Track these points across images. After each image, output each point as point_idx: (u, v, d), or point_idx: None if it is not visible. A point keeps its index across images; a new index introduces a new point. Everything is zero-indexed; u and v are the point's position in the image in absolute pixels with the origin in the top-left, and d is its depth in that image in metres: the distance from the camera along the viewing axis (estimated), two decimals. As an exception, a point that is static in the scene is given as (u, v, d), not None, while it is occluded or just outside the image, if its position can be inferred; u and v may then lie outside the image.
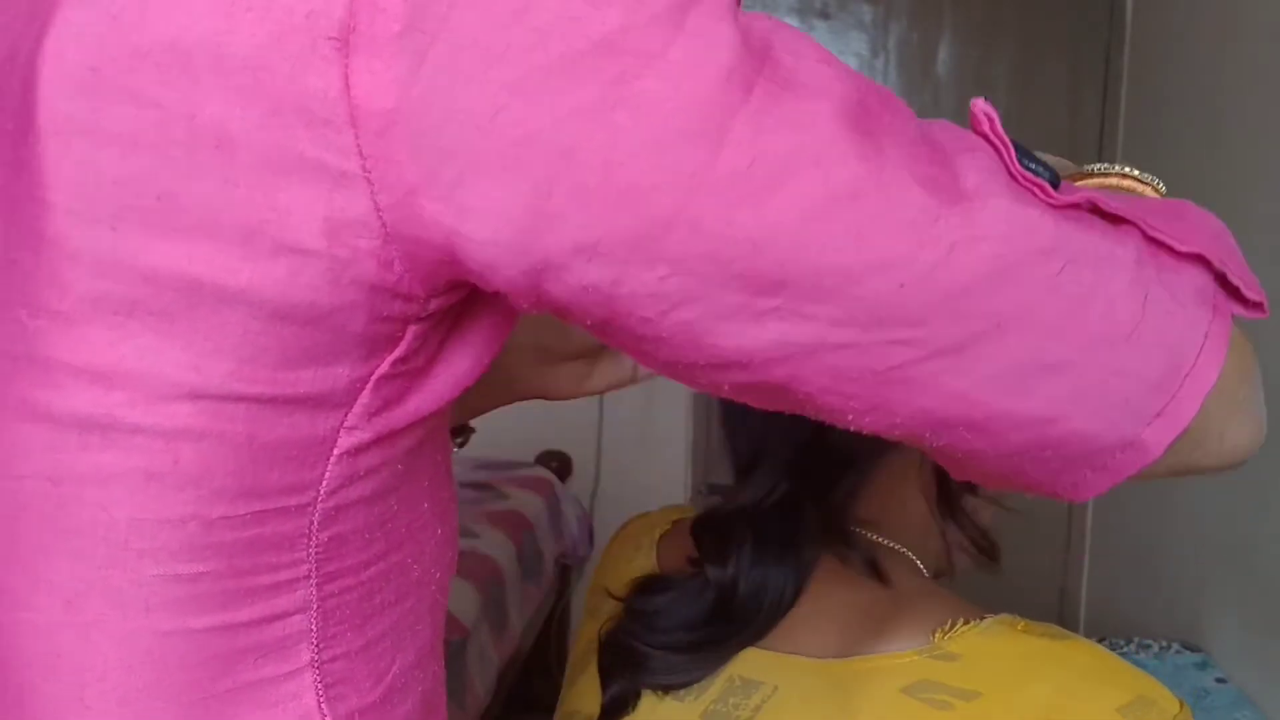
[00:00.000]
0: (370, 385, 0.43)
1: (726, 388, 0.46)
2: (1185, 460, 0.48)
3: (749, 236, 0.40)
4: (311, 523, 0.43)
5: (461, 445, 0.76)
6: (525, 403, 0.74)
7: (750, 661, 0.74)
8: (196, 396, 0.40)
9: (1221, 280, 0.47)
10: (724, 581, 0.74)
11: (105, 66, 0.38)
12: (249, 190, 0.38)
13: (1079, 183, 0.55)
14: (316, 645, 0.45)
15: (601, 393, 0.74)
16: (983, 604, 0.72)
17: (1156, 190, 0.56)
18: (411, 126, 0.38)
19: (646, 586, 0.80)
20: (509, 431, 2.48)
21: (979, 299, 0.43)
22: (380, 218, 0.39)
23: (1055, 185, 0.45)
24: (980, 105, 0.47)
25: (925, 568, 0.78)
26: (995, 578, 0.83)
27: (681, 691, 0.75)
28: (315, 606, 0.44)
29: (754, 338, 0.42)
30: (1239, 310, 0.48)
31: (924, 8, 2.96)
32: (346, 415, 0.43)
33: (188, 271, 0.39)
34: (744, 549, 0.74)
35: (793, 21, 3.00)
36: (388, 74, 0.38)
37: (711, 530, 0.78)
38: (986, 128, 0.46)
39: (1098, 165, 0.57)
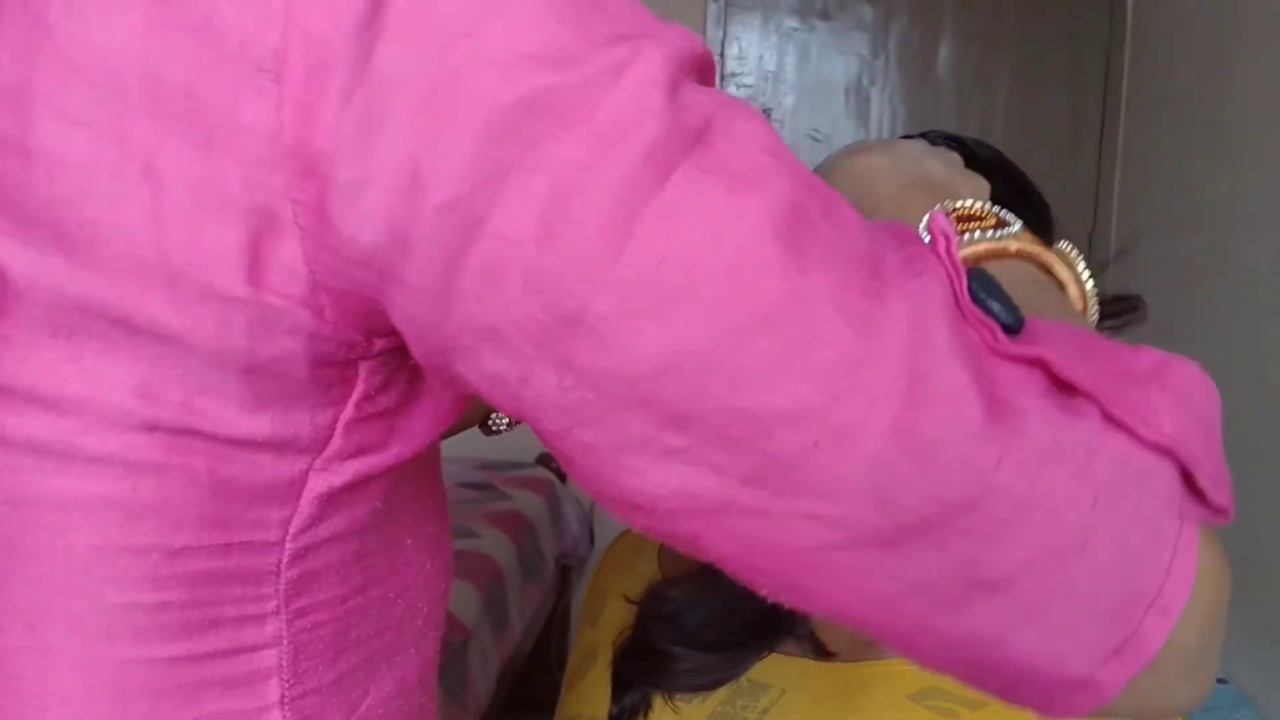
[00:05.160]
0: (340, 430, 0.41)
1: (638, 529, 0.41)
2: (1140, 704, 0.40)
3: (655, 353, 0.36)
4: (280, 560, 0.42)
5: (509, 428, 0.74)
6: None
7: (759, 664, 0.74)
8: (151, 428, 0.38)
9: (1190, 478, 0.40)
10: None
11: (38, 81, 0.36)
12: (174, 228, 0.36)
13: (972, 234, 0.49)
14: (287, 681, 0.43)
15: None
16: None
17: (1067, 262, 0.50)
18: (338, 175, 0.36)
19: (662, 588, 0.79)
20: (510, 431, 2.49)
21: (904, 482, 0.36)
22: (308, 265, 0.37)
23: (1014, 329, 0.39)
24: (939, 223, 0.42)
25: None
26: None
27: (690, 693, 0.75)
28: (286, 642, 0.43)
29: (658, 481, 0.37)
30: (1204, 515, 0.40)
31: (924, 8, 2.96)
32: (315, 459, 0.41)
33: (116, 307, 0.37)
34: None
35: (793, 22, 3.01)
36: (317, 110, 0.35)
37: None
38: (942, 249, 0.41)
39: (998, 233, 0.49)
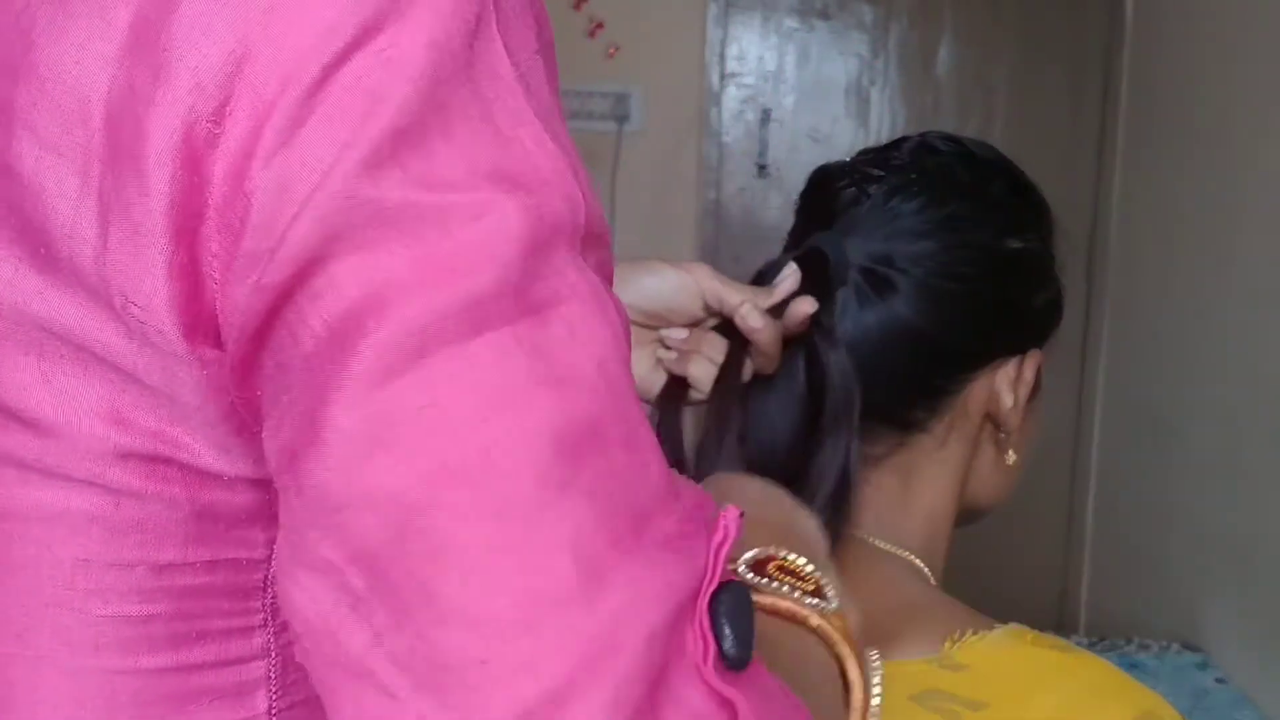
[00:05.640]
0: None
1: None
2: None
3: (372, 487, 0.33)
4: (266, 575, 0.42)
5: None
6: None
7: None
8: (125, 456, 0.38)
9: None
10: None
11: (16, 96, 0.36)
12: (114, 273, 0.35)
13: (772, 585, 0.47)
14: (275, 693, 0.43)
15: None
16: (984, 604, 0.72)
17: (864, 669, 0.48)
18: (242, 244, 0.35)
19: None
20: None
21: None
22: (217, 322, 0.36)
23: (735, 664, 0.37)
24: (729, 518, 0.39)
25: (933, 575, 0.78)
26: (996, 578, 0.83)
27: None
28: (274, 654, 0.43)
29: (319, 612, 0.35)
30: None
31: (924, 8, 2.96)
32: None
33: (79, 332, 0.36)
34: None
35: (793, 22, 3.01)
36: (246, 170, 0.34)
37: None
38: (715, 542, 0.38)
39: (811, 600, 0.47)
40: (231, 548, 0.41)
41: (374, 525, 0.34)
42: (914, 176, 0.71)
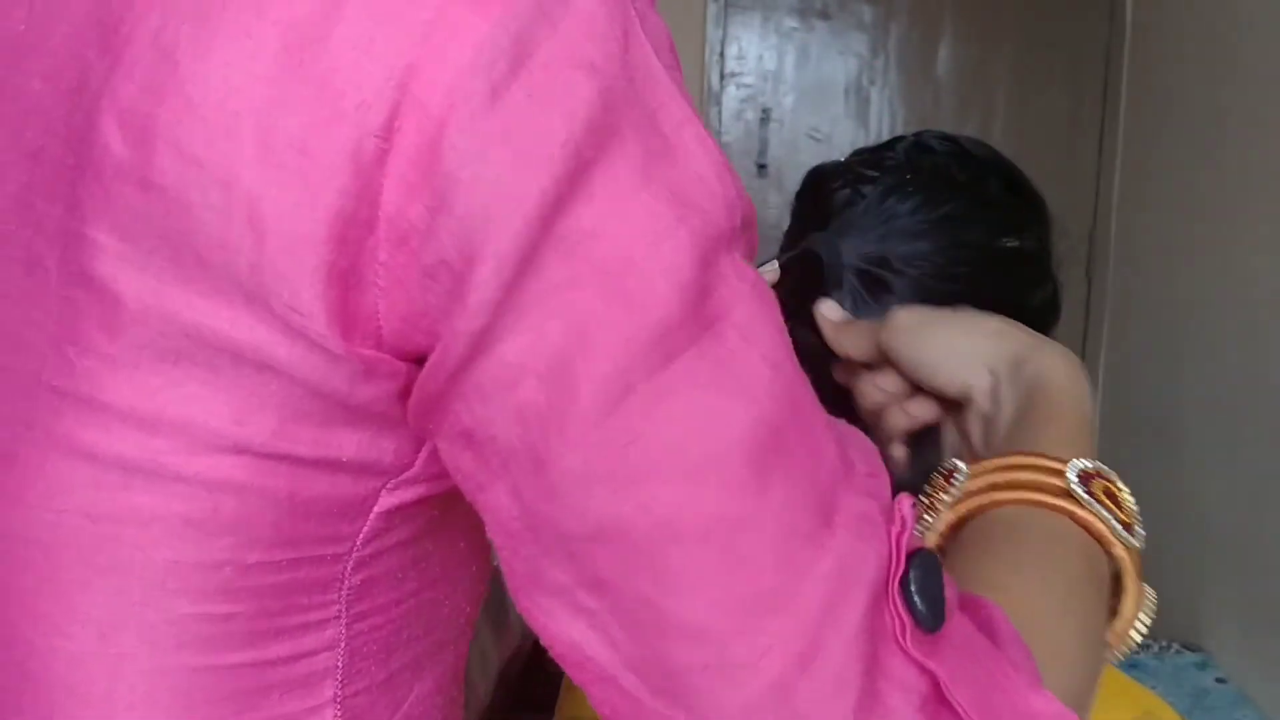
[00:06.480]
0: (421, 458, 0.42)
1: None
2: None
3: (599, 519, 0.37)
4: (345, 569, 0.43)
5: None
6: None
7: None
8: (240, 450, 0.39)
9: None
10: None
11: (159, 113, 0.37)
12: (273, 280, 0.37)
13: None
14: (341, 681, 0.45)
15: None
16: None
17: (1129, 555, 0.51)
18: (423, 257, 0.36)
19: None
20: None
21: None
22: (380, 320, 0.38)
23: (930, 628, 0.39)
24: (904, 505, 0.42)
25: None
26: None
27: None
28: (343, 645, 0.44)
29: (561, 629, 0.39)
30: None
31: (924, 8, 2.96)
32: (390, 480, 0.42)
33: (230, 335, 0.38)
34: None
35: (793, 22, 3.01)
36: (420, 187, 0.36)
37: None
38: (894, 533, 0.41)
39: (1101, 508, 0.51)
40: (318, 544, 0.42)
41: (601, 555, 0.37)
42: (909, 176, 0.71)
